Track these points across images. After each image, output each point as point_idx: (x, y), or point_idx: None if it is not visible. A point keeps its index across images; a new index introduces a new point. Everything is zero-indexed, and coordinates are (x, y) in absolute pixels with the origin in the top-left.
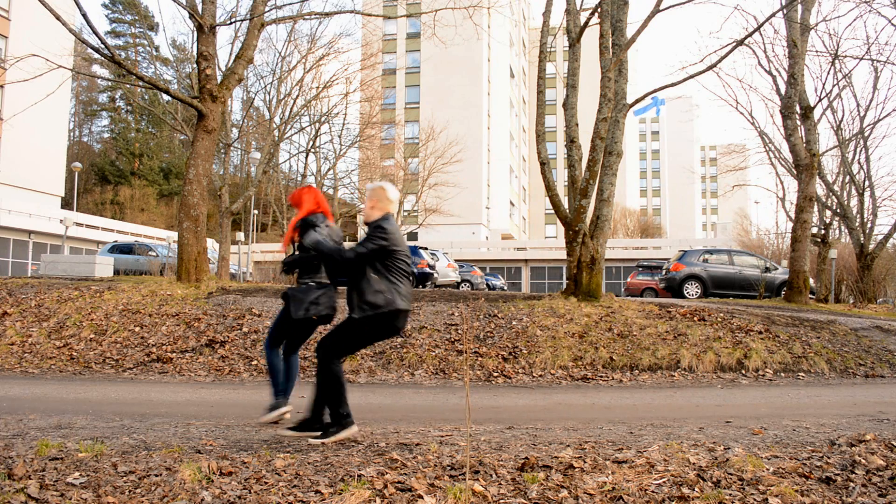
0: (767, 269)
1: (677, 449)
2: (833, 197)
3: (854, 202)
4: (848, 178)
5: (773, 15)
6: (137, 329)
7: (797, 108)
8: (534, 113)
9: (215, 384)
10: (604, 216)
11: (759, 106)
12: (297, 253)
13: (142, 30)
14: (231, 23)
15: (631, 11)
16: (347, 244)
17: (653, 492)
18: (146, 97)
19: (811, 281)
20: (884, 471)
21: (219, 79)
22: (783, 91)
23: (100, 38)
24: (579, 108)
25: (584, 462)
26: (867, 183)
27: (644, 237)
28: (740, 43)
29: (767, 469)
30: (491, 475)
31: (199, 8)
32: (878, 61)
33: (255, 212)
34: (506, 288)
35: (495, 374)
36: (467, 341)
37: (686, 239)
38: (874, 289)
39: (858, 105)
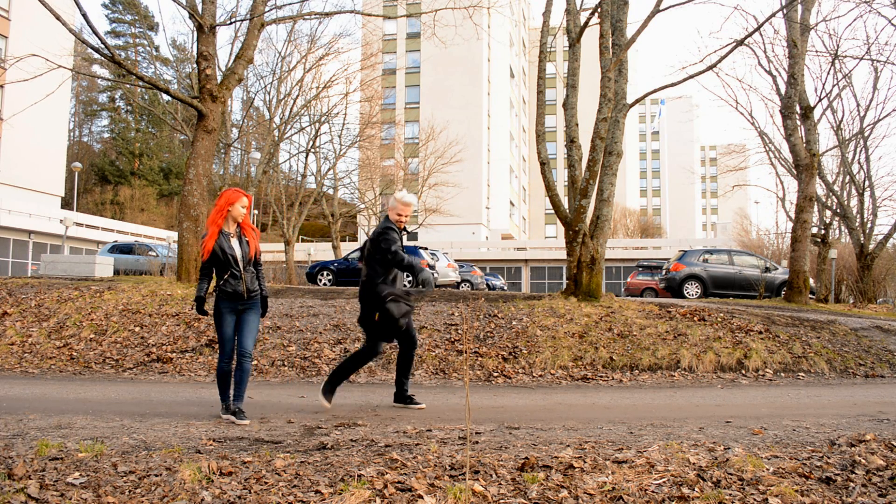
0: (767, 269)
1: (677, 449)
2: (833, 197)
3: (854, 202)
4: (848, 178)
5: (773, 15)
6: (137, 329)
7: (797, 108)
8: (534, 113)
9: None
10: (604, 216)
11: (759, 106)
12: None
13: (142, 30)
14: (231, 23)
15: (631, 11)
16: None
17: (653, 492)
18: (146, 97)
19: (811, 281)
20: (884, 471)
21: (219, 79)
22: (783, 91)
23: (100, 38)
24: (579, 108)
25: (584, 462)
26: (867, 183)
27: (644, 237)
28: (740, 43)
29: (767, 469)
30: (491, 475)
31: (199, 8)
32: (878, 61)
33: (255, 212)
34: (506, 288)
35: (495, 374)
36: (467, 341)
37: (686, 239)
38: (874, 289)
39: (858, 105)
